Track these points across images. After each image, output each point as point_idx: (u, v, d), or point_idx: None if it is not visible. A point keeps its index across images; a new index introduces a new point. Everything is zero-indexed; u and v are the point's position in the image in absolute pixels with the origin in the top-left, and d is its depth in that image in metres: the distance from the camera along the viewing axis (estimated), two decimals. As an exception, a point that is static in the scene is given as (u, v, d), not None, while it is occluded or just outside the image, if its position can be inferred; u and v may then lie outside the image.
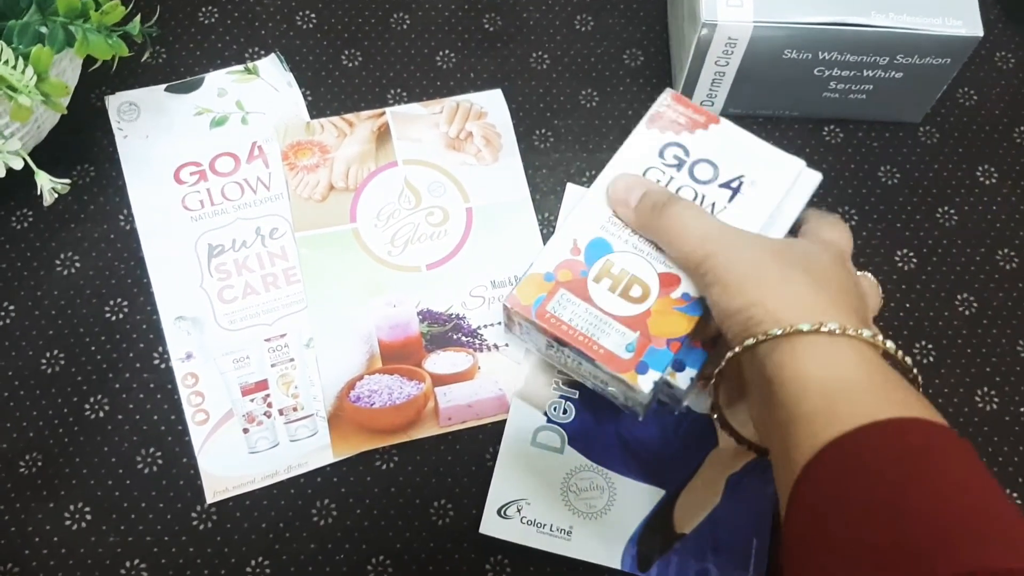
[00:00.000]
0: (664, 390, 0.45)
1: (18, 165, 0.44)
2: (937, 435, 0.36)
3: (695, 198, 0.46)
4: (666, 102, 0.49)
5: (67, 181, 0.47)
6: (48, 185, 0.46)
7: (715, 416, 0.45)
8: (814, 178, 0.47)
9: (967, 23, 0.53)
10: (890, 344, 0.39)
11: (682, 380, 0.44)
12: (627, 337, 0.43)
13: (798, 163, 0.47)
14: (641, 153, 0.47)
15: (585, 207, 0.47)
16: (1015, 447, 0.52)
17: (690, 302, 0.44)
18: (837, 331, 0.38)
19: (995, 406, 0.53)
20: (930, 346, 0.55)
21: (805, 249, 0.43)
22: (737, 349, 0.40)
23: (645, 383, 0.42)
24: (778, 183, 0.46)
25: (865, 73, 0.55)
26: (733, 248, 0.42)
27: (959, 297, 0.56)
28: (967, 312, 0.56)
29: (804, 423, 0.37)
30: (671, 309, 0.44)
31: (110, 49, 0.44)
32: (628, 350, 0.43)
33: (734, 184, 0.46)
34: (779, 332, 0.39)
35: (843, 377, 0.38)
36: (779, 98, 0.58)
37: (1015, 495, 0.51)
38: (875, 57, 0.54)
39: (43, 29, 0.45)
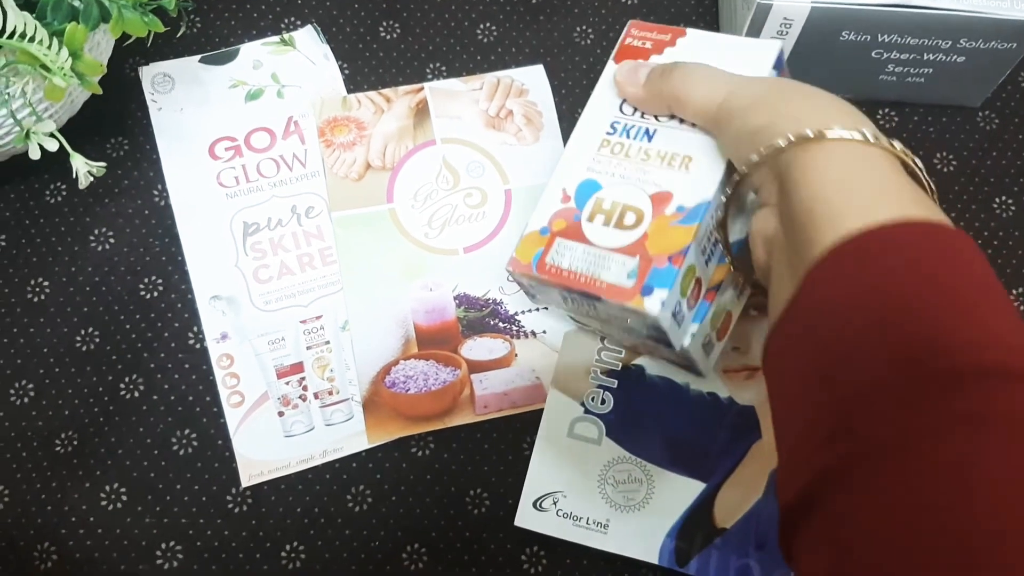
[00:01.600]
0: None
1: (53, 147, 0.43)
2: (944, 236, 0.34)
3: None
4: (629, 33, 0.48)
5: (103, 164, 0.46)
6: (84, 168, 0.45)
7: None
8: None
9: (1036, 6, 0.50)
10: (919, 163, 0.38)
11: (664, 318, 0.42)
12: (627, 265, 0.42)
13: (775, 45, 0.45)
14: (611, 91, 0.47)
15: (568, 155, 0.46)
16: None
17: (686, 212, 0.42)
18: (870, 139, 0.37)
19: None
20: (982, 342, 0.53)
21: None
22: (763, 151, 0.38)
23: (652, 304, 0.41)
24: (759, 69, 0.45)
25: (925, 57, 0.53)
26: (748, 83, 0.42)
27: (1015, 291, 0.54)
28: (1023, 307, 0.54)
29: (817, 222, 0.36)
30: (668, 225, 0.42)
31: (145, 26, 0.42)
32: (630, 277, 0.42)
33: None
34: (810, 134, 0.37)
35: (868, 180, 0.36)
36: (833, 80, 0.56)
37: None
38: (937, 40, 0.52)
39: (76, 4, 0.43)
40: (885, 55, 0.53)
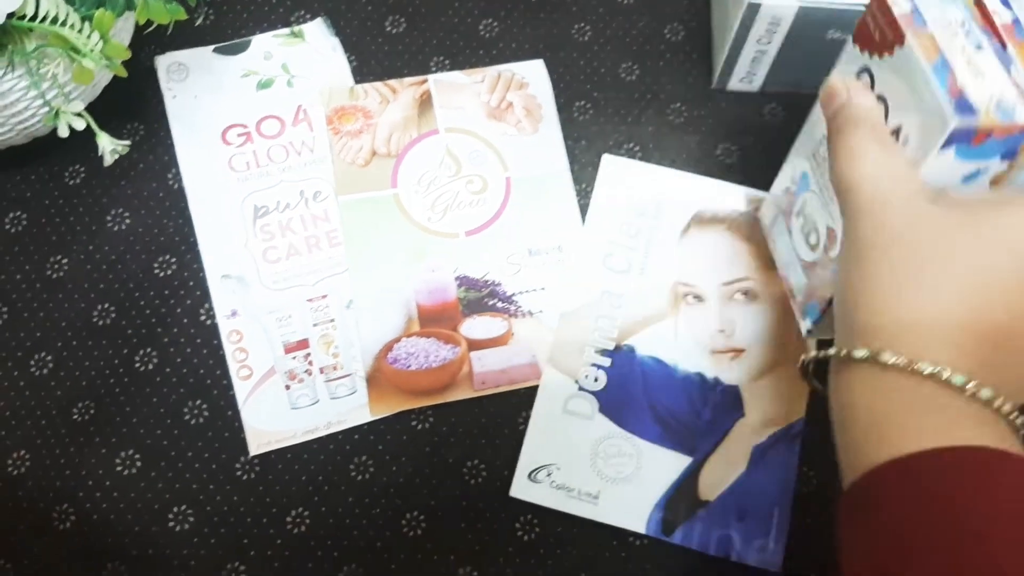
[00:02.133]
0: None
1: (81, 126, 0.46)
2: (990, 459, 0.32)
3: None
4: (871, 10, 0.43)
5: (127, 143, 0.49)
6: (109, 146, 0.47)
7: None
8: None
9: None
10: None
11: None
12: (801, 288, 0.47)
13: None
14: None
15: (805, 130, 0.47)
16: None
17: None
18: (934, 372, 0.34)
19: None
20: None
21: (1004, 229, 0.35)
22: (813, 355, 0.38)
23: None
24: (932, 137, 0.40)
25: (907, 55, 0.56)
26: (891, 194, 0.37)
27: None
28: None
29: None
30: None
31: (168, 13, 0.45)
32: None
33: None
34: (845, 353, 0.35)
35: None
36: (820, 77, 0.58)
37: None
38: (918, 40, 0.54)
39: (103, -8, 0.46)
40: (869, 54, 0.56)
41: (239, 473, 0.51)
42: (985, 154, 0.39)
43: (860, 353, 0.35)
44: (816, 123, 0.49)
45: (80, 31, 0.41)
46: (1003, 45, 0.39)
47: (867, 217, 0.37)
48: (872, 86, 0.43)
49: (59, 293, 0.54)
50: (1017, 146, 0.39)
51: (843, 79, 0.43)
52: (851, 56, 0.45)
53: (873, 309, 0.36)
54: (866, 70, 0.43)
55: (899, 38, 0.40)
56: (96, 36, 0.42)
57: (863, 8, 0.52)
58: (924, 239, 0.36)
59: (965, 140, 0.38)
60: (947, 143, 0.38)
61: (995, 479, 0.32)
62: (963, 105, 0.37)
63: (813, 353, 0.39)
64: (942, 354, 0.34)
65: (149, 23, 0.49)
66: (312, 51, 0.61)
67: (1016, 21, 0.40)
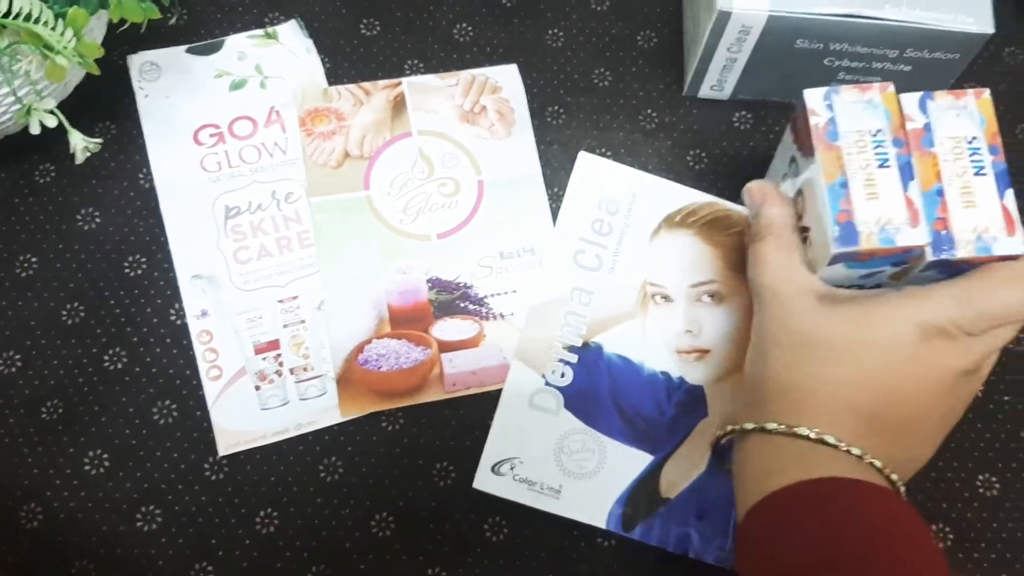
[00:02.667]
0: None
1: (52, 123, 0.46)
2: (854, 488, 0.40)
3: None
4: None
5: (99, 140, 0.49)
6: (81, 144, 0.47)
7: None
8: None
9: (979, 20, 0.54)
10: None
11: None
12: None
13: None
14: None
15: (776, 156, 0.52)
16: None
17: None
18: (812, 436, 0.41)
19: None
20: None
21: (882, 332, 0.41)
22: (720, 431, 0.46)
23: None
24: None
25: (874, 65, 0.57)
26: (789, 296, 0.44)
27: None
28: None
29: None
30: None
31: (142, 12, 0.45)
32: None
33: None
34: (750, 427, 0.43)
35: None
36: (788, 85, 0.59)
37: None
38: (885, 50, 0.56)
39: (75, -10, 0.46)
40: (837, 63, 0.57)
41: (208, 473, 0.51)
42: (875, 265, 0.43)
43: (749, 425, 0.43)
44: (772, 176, 0.51)
45: (54, 28, 0.41)
46: (910, 155, 0.42)
47: (769, 313, 0.45)
48: (797, 175, 0.46)
49: (28, 292, 0.54)
50: (906, 259, 0.42)
51: (760, 185, 0.48)
52: (787, 142, 0.47)
53: (769, 388, 0.44)
54: (794, 160, 0.46)
55: (811, 150, 0.43)
56: (70, 33, 0.42)
57: (830, 18, 0.53)
58: (812, 333, 0.42)
59: (851, 259, 0.42)
60: (833, 261, 0.42)
61: (849, 501, 0.39)
62: (847, 234, 0.42)
63: (718, 432, 0.46)
64: (821, 423, 0.41)
65: (122, 22, 0.49)
66: (286, 52, 0.61)
67: (927, 126, 0.43)
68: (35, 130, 0.45)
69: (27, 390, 0.52)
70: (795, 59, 0.57)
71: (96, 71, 0.46)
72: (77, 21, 0.42)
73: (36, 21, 0.42)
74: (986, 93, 0.44)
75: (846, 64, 0.57)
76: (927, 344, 0.41)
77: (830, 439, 0.40)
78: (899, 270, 0.43)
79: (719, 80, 0.60)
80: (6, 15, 0.42)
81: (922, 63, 0.56)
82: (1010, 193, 0.42)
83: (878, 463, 0.41)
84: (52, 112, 0.45)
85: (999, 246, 0.41)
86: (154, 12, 0.46)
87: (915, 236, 0.41)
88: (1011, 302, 0.41)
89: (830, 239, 0.41)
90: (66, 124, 0.46)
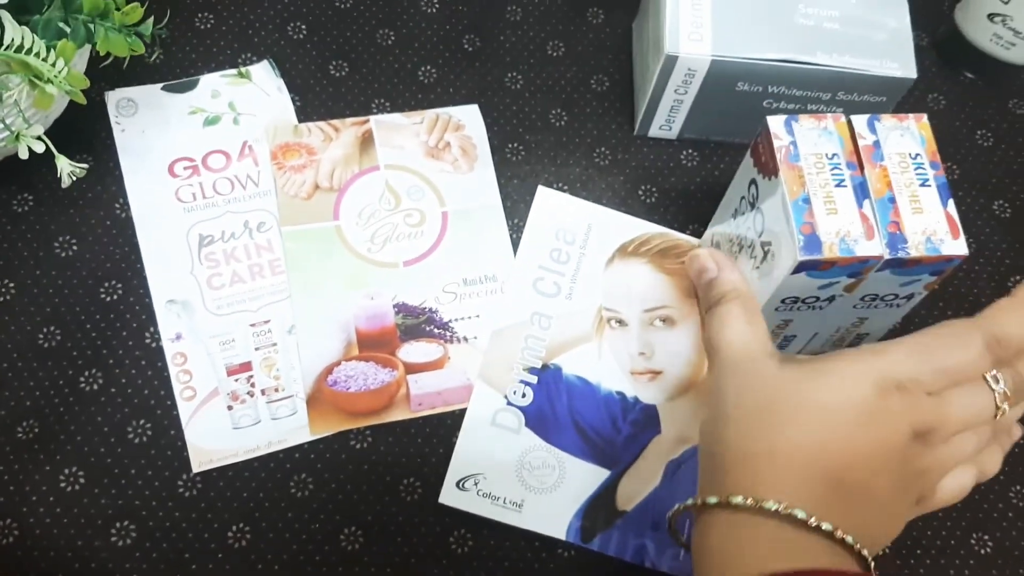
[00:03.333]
0: None
1: (40, 149, 0.48)
2: None
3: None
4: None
5: (85, 166, 0.51)
6: (67, 168, 0.49)
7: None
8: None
9: (902, 65, 0.59)
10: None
11: None
12: None
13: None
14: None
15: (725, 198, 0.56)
16: None
17: None
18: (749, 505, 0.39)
19: None
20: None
21: (836, 396, 0.41)
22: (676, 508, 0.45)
23: None
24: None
25: (809, 107, 0.61)
26: (747, 359, 0.44)
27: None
28: (891, 326, 0.62)
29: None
30: None
31: (128, 46, 0.48)
32: None
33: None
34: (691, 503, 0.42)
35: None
36: (731, 125, 0.64)
37: None
38: (818, 93, 0.60)
39: (62, 26, 0.49)
40: (775, 104, 0.61)
41: (181, 490, 0.53)
42: (833, 275, 0.47)
43: (712, 499, 0.41)
44: (726, 207, 0.55)
45: (45, 59, 0.44)
46: (863, 177, 0.47)
47: (727, 375, 0.45)
48: (756, 196, 0.50)
49: (5, 316, 0.56)
50: (861, 269, 0.46)
51: (710, 253, 0.52)
52: (747, 166, 0.51)
53: (728, 457, 0.42)
54: (754, 182, 0.50)
55: (775, 170, 0.47)
56: (61, 63, 0.44)
57: (768, 62, 0.58)
58: (773, 398, 0.42)
59: (813, 268, 0.46)
60: (797, 270, 0.46)
61: None
62: (810, 243, 0.45)
63: (676, 506, 0.44)
64: (785, 493, 0.39)
65: (105, 57, 0.52)
66: (258, 91, 0.64)
67: (877, 143, 0.48)
68: (24, 155, 0.48)
69: (3, 410, 0.53)
70: (737, 101, 0.61)
71: (83, 100, 0.48)
72: (66, 53, 0.45)
73: (28, 52, 0.44)
74: (924, 118, 0.49)
75: (783, 106, 0.62)
76: (883, 401, 0.40)
77: (799, 513, 0.38)
78: (853, 281, 0.47)
79: (667, 120, 0.64)
80: (-2, 47, 0.44)
81: (852, 105, 0.61)
82: (951, 202, 0.47)
83: (849, 539, 0.39)
84: (40, 138, 0.47)
85: (946, 247, 0.46)
86: (139, 46, 0.49)
87: (871, 247, 0.45)
88: (966, 358, 0.41)
89: (796, 248, 0.45)
90: (53, 149, 0.49)
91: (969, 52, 0.69)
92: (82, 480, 0.52)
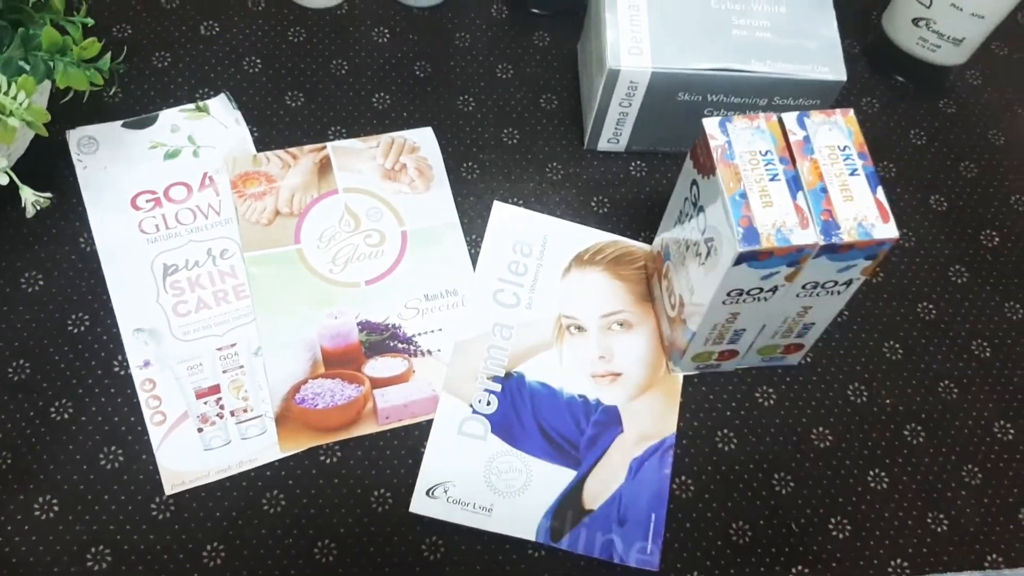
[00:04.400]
0: None
1: (4, 181, 0.49)
2: None
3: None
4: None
5: (49, 195, 0.52)
6: (32, 199, 0.51)
7: None
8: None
9: (833, 70, 0.62)
10: None
11: None
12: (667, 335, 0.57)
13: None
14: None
15: (666, 212, 0.58)
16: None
17: None
18: None
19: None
20: (808, 348, 0.63)
21: None
22: None
23: None
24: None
25: (747, 113, 0.64)
26: None
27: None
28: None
29: None
30: None
31: (86, 80, 0.49)
32: None
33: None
34: None
35: None
36: (675, 136, 0.67)
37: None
38: (756, 99, 0.63)
39: (22, 64, 0.50)
40: (715, 112, 0.64)
41: (155, 513, 0.54)
42: (773, 265, 0.49)
43: None
44: (672, 211, 0.57)
45: (7, 92, 0.45)
46: (796, 171, 0.49)
47: None
48: (698, 196, 0.53)
49: (-27, 352, 0.56)
50: (799, 257, 0.48)
51: None
52: (688, 168, 0.54)
53: None
54: (695, 183, 0.53)
55: (712, 169, 0.50)
56: (23, 95, 0.46)
57: (706, 72, 0.61)
58: None
59: (753, 258, 0.48)
60: (738, 261, 0.48)
61: None
62: (749, 235, 0.48)
63: None
64: None
65: (65, 93, 0.54)
66: (216, 124, 0.66)
67: (807, 138, 0.50)
68: (-12, 188, 0.49)
69: (-26, 445, 0.54)
70: (679, 111, 0.64)
71: (45, 133, 0.50)
72: (27, 88, 0.47)
73: (-11, 89, 0.46)
74: (851, 112, 0.52)
75: (723, 114, 0.64)
76: None
77: None
78: (792, 270, 0.49)
79: (615, 134, 0.66)
80: (-42, 85, 0.46)
81: (788, 109, 0.64)
82: (880, 189, 0.49)
83: None
84: (5, 171, 0.49)
85: (877, 231, 0.48)
86: (97, 79, 0.50)
87: (805, 236, 0.48)
88: None
89: (736, 240, 0.47)
90: (16, 181, 0.50)
91: (898, 57, 0.72)
92: (56, 508, 0.53)
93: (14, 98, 0.45)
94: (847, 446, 0.60)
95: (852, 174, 0.50)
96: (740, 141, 0.50)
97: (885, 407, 0.61)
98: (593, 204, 0.66)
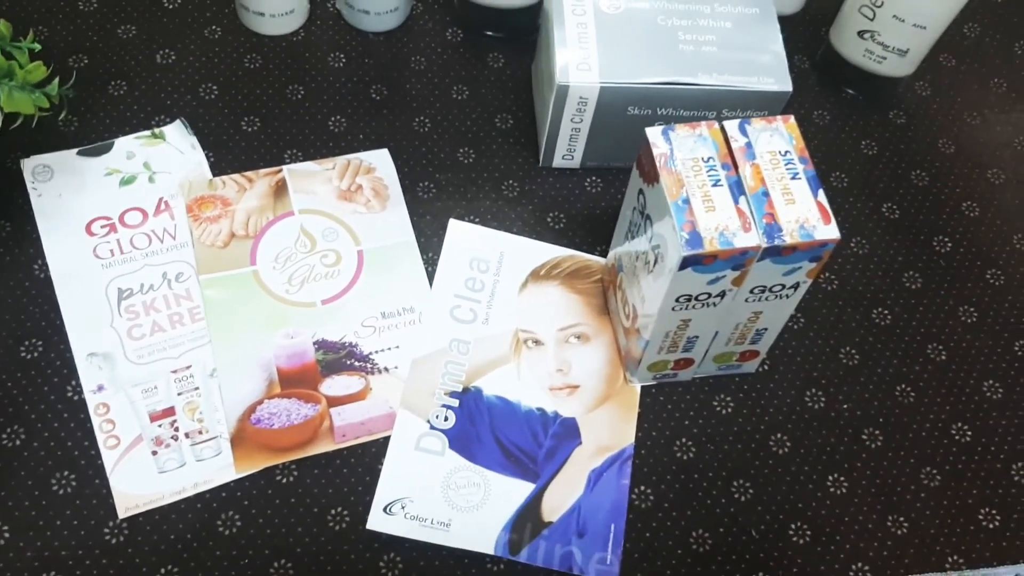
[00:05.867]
0: None
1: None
2: None
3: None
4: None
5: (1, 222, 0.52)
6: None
7: None
8: None
9: (778, 80, 0.63)
10: None
11: None
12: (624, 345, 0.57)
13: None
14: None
15: (617, 227, 0.60)
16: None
17: None
18: None
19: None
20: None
21: None
22: None
23: None
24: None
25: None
26: None
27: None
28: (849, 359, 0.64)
29: None
30: None
31: (33, 103, 0.50)
32: None
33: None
34: None
35: None
36: (628, 150, 0.67)
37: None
38: (704, 112, 0.64)
39: (-32, 91, 0.50)
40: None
41: (108, 537, 0.53)
42: (718, 269, 0.50)
43: None
44: (623, 223, 0.58)
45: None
46: (738, 176, 0.50)
47: None
48: (644, 204, 0.53)
49: (-76, 380, 0.56)
50: (743, 260, 0.49)
51: None
52: (635, 179, 0.55)
53: None
54: (641, 192, 0.53)
55: (656, 176, 0.50)
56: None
57: (653, 86, 0.62)
58: None
59: (698, 262, 0.49)
60: (683, 266, 0.49)
61: None
62: (693, 239, 0.49)
63: None
64: None
65: (14, 119, 0.54)
66: (172, 149, 0.66)
67: (748, 144, 0.51)
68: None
69: (-76, 474, 0.53)
70: (629, 125, 0.65)
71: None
72: (-28, 113, 0.47)
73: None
74: (791, 119, 0.53)
75: (675, 127, 0.65)
76: None
77: None
78: (738, 274, 0.50)
79: (568, 150, 0.67)
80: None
81: (739, 122, 0.65)
82: (822, 192, 0.50)
83: None
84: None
85: (819, 232, 0.49)
86: (43, 102, 0.50)
87: (748, 239, 0.48)
88: None
89: (680, 245, 0.48)
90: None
91: (846, 69, 0.73)
92: (7, 535, 0.52)
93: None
94: (805, 452, 0.60)
95: (794, 178, 0.50)
96: (683, 148, 0.51)
97: (843, 412, 0.61)
98: (549, 220, 0.67)
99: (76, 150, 0.65)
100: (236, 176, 0.65)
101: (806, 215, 0.49)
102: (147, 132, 0.67)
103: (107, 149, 0.66)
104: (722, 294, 0.52)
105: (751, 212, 0.49)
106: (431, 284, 0.63)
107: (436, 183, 0.67)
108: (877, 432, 0.61)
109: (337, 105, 0.70)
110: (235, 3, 0.72)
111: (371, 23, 0.73)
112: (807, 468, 0.59)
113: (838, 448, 0.60)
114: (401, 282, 0.63)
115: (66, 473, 0.54)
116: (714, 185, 0.50)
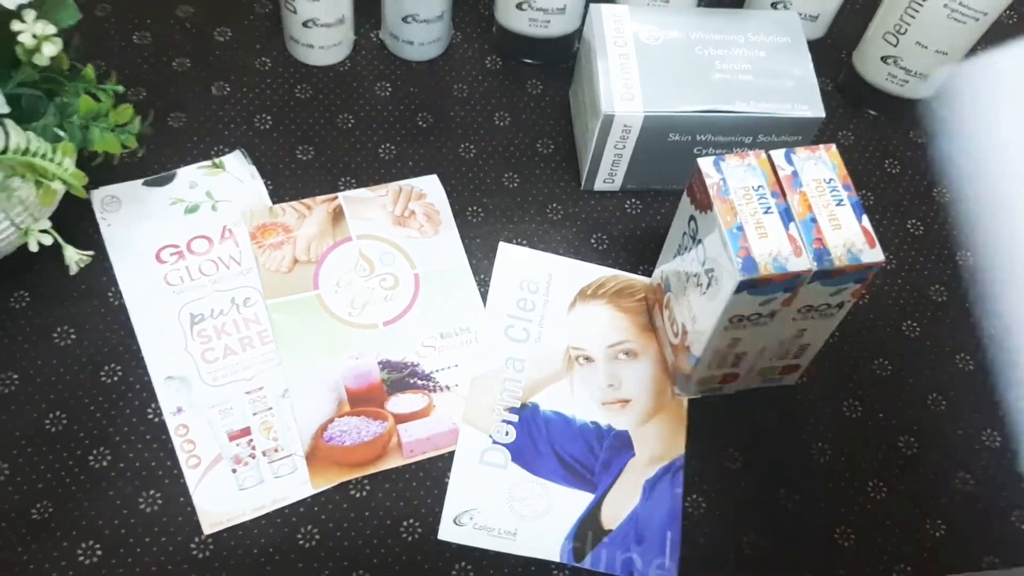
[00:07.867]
0: None
1: (48, 241, 0.52)
2: None
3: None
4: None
5: (91, 253, 0.55)
6: (75, 257, 0.54)
7: None
8: None
9: (812, 107, 0.66)
10: None
11: None
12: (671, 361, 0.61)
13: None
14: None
15: (665, 247, 0.62)
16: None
17: None
18: None
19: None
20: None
21: None
22: None
23: None
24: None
25: (734, 151, 0.68)
26: None
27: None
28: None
29: None
30: None
31: (119, 143, 0.53)
32: None
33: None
34: None
35: None
36: (667, 174, 0.71)
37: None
38: (741, 137, 0.67)
39: (57, 131, 0.53)
40: (703, 151, 0.68)
41: (195, 552, 0.56)
42: (771, 291, 0.53)
43: None
44: (671, 245, 0.61)
45: (51, 159, 0.48)
46: (787, 204, 0.53)
47: None
48: (696, 231, 0.56)
49: (12, 405, 0.59)
50: (795, 283, 0.52)
51: None
52: (685, 205, 0.58)
53: None
54: (692, 218, 0.57)
55: (709, 204, 0.54)
56: (68, 161, 0.49)
57: (694, 114, 0.65)
58: None
59: (752, 286, 0.52)
60: (739, 289, 0.52)
61: None
62: (748, 264, 0.52)
63: None
64: None
65: (94, 156, 0.57)
66: (232, 179, 0.69)
67: (795, 173, 0.54)
68: (34, 247, 0.52)
69: (16, 496, 0.56)
70: (670, 150, 0.68)
71: (84, 195, 0.53)
72: (68, 151, 0.50)
73: (33, 154, 0.49)
74: (833, 147, 0.56)
75: (711, 152, 0.68)
76: None
77: None
78: (789, 295, 0.53)
79: (610, 174, 0.70)
80: (3, 152, 0.49)
81: (772, 146, 0.68)
82: (866, 217, 0.53)
83: None
84: (46, 231, 0.52)
85: (865, 256, 0.52)
86: (131, 141, 0.54)
87: (800, 263, 0.52)
88: None
89: (736, 270, 0.51)
90: (60, 241, 0.53)
91: (869, 92, 0.77)
92: (99, 552, 0.55)
93: (59, 163, 0.48)
94: (846, 459, 0.63)
95: (839, 204, 0.54)
96: (734, 178, 0.54)
97: (879, 421, 0.65)
98: (593, 241, 0.70)
99: (141, 180, 0.68)
100: (294, 203, 0.68)
101: (852, 239, 0.53)
102: (208, 162, 0.70)
103: (170, 179, 0.69)
104: (772, 314, 0.55)
105: (801, 237, 0.52)
106: (485, 304, 0.66)
107: (484, 207, 0.71)
108: (912, 439, 0.64)
109: (386, 133, 0.73)
110: (284, 35, 0.75)
111: (414, 52, 0.76)
112: (848, 475, 0.63)
113: (876, 455, 0.63)
114: (457, 303, 0.66)
115: (152, 492, 0.57)
116: (765, 212, 0.53)
